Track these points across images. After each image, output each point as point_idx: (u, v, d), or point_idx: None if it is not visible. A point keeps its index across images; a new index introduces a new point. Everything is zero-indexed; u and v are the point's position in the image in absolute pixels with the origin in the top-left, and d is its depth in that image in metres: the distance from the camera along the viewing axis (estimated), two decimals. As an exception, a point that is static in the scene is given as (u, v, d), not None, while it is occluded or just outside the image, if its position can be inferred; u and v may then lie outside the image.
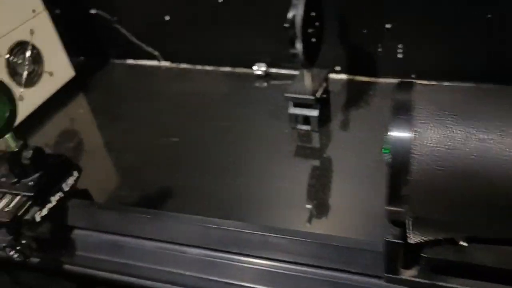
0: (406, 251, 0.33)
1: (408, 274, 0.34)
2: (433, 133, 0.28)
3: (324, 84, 0.70)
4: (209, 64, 0.90)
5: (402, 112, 0.29)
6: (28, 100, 0.80)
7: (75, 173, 0.50)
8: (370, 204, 0.57)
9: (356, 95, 0.77)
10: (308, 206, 0.60)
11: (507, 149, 0.27)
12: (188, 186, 0.65)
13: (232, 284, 0.44)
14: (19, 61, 0.78)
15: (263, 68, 0.85)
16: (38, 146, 0.46)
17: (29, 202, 0.45)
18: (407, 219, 0.31)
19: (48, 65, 0.83)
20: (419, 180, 0.28)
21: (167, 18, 0.87)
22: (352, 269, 0.38)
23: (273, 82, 0.84)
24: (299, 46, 0.60)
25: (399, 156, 0.28)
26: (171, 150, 0.72)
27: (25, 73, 0.79)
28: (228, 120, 0.77)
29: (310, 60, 0.64)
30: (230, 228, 0.45)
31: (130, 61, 0.96)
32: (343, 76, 0.81)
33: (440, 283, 0.33)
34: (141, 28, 0.91)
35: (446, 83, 0.72)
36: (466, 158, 0.27)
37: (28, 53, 0.79)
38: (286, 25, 0.59)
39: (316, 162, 0.69)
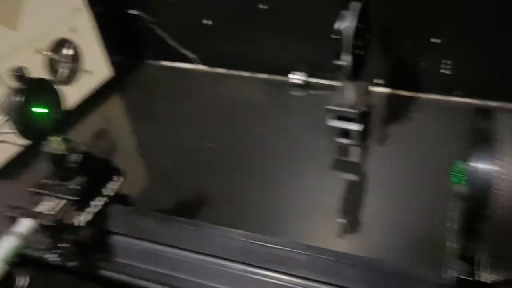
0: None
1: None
2: (518, 168, 0.26)
3: (366, 98, 0.69)
4: (245, 70, 0.89)
5: (483, 142, 0.27)
6: (67, 99, 0.79)
7: (119, 178, 0.49)
8: (409, 225, 0.55)
9: (397, 110, 0.75)
10: (342, 222, 0.58)
11: None
12: (222, 194, 0.64)
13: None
14: (59, 59, 0.78)
15: (302, 77, 0.83)
16: (85, 150, 0.45)
17: (73, 206, 0.45)
18: (480, 256, 0.29)
19: (87, 63, 0.83)
20: (499, 217, 0.27)
21: (207, 22, 0.86)
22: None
23: (311, 92, 0.83)
24: (346, 58, 0.58)
25: (478, 189, 0.27)
26: (207, 156, 0.71)
27: (64, 71, 0.79)
28: (264, 129, 0.76)
29: (356, 72, 0.62)
30: (273, 245, 0.44)
31: (165, 63, 0.96)
32: (384, 90, 0.79)
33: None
34: (179, 30, 0.91)
35: (493, 103, 0.70)
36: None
37: (68, 51, 0.79)
38: (335, 36, 0.57)
39: (354, 177, 0.67)
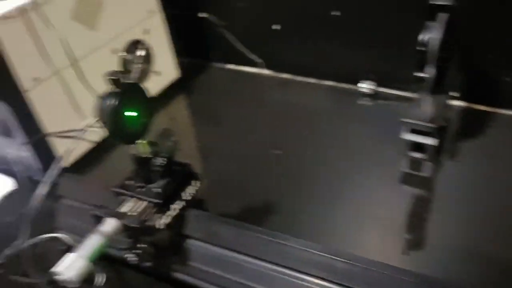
0: None
1: None
2: None
3: (444, 112, 0.66)
4: (312, 77, 0.88)
5: None
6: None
7: (196, 183, 0.49)
8: (480, 246, 0.53)
9: (474, 125, 0.72)
10: (407, 238, 0.56)
11: None
12: (287, 202, 0.64)
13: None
14: (132, 59, 0.80)
15: (371, 86, 0.81)
16: (169, 155, 0.45)
17: (155, 209, 0.45)
18: None
19: (156, 64, 0.84)
20: None
21: (276, 27, 0.86)
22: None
23: (380, 101, 0.81)
24: (430, 70, 0.56)
25: None
26: (274, 163, 0.71)
27: (136, 72, 0.81)
28: (331, 137, 0.74)
29: (437, 85, 0.60)
30: (356, 263, 0.43)
31: (231, 66, 0.96)
32: (460, 103, 0.75)
33: None
34: (247, 34, 0.91)
35: None
36: None
37: (141, 52, 0.81)
38: (420, 48, 0.55)
39: (424, 193, 0.64)
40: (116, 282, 0.53)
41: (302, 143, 0.74)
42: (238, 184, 0.68)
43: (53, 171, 0.43)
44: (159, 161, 0.45)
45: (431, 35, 0.54)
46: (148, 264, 0.49)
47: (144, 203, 0.46)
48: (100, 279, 0.45)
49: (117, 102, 0.40)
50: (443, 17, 0.55)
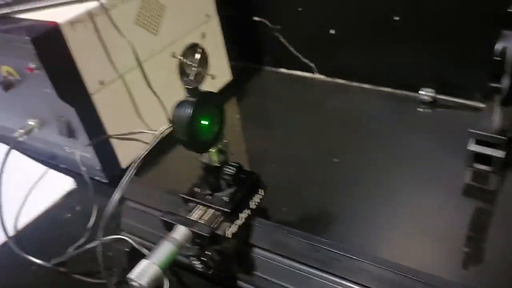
0: None
1: None
2: None
3: (513, 123, 0.63)
4: (367, 82, 0.86)
5: None
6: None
7: (262, 192, 0.49)
8: None
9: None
10: (466, 252, 0.54)
11: None
12: (344, 213, 0.62)
13: None
14: (189, 63, 0.80)
15: (430, 93, 0.79)
16: (238, 163, 0.45)
17: (223, 217, 0.45)
18: None
19: (211, 68, 0.85)
20: None
21: (331, 31, 0.85)
22: None
23: (440, 109, 0.78)
24: (505, 81, 0.53)
25: None
26: (331, 171, 0.70)
27: (193, 75, 0.81)
28: (389, 146, 0.72)
29: (510, 96, 0.57)
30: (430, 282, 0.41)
31: (283, 70, 0.95)
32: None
33: None
34: (301, 39, 0.90)
35: None
36: None
37: (198, 56, 0.81)
38: (496, 57, 0.53)
39: (488, 207, 0.62)
40: (175, 285, 0.53)
41: (358, 151, 0.72)
42: (294, 191, 0.67)
43: (127, 177, 0.43)
44: (229, 169, 0.45)
45: (508, 45, 0.52)
46: (213, 271, 0.49)
47: (212, 211, 0.46)
48: (167, 285, 0.45)
49: (192, 111, 0.40)
50: (521, 25, 0.52)
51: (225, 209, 0.45)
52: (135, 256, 0.57)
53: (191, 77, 0.81)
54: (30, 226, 0.69)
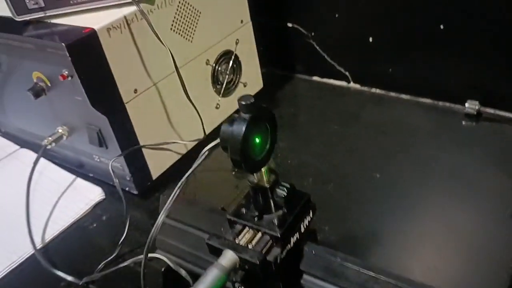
0: None
1: None
2: None
3: None
4: (406, 93, 0.83)
5: None
6: (222, 110, 0.79)
7: (311, 213, 0.46)
8: None
9: None
10: None
11: None
12: (387, 234, 0.59)
13: None
14: (222, 70, 0.77)
15: (474, 106, 0.75)
16: (291, 184, 0.42)
17: (273, 242, 0.42)
18: None
19: (244, 75, 0.82)
20: None
21: (368, 39, 0.81)
22: None
23: (485, 123, 0.74)
24: None
25: None
26: (373, 187, 0.66)
27: (225, 82, 0.78)
28: (432, 161, 0.68)
29: None
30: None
31: (316, 78, 0.92)
32: None
33: None
34: (336, 46, 0.87)
35: None
36: None
37: (231, 63, 0.78)
38: None
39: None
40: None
41: (400, 167, 0.69)
42: (335, 208, 0.64)
43: (172, 198, 0.41)
44: (281, 190, 0.41)
45: None
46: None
47: (260, 235, 0.42)
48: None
49: (247, 128, 0.37)
50: None
51: (275, 233, 0.41)
52: (170, 276, 0.54)
53: (224, 85, 0.78)
54: (58, 238, 0.67)
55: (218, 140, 0.40)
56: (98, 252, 0.63)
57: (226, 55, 0.77)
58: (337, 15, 0.82)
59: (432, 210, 0.61)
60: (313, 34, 0.87)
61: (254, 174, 0.42)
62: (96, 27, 0.56)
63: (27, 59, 0.63)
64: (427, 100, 0.81)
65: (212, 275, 0.38)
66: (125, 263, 0.55)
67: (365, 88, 0.87)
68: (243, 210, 0.44)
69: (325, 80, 0.91)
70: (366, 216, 0.62)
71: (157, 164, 0.70)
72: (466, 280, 0.52)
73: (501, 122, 0.73)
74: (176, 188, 0.40)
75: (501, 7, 0.66)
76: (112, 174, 0.61)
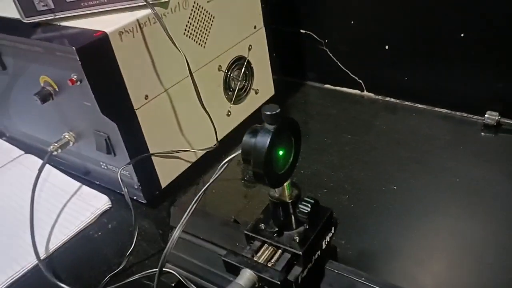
0: None
1: None
2: None
3: None
4: (421, 102, 0.81)
5: None
6: (233, 117, 0.77)
7: (333, 229, 0.43)
8: None
9: None
10: None
11: None
12: (405, 248, 0.57)
13: None
14: (234, 77, 0.75)
15: (494, 117, 0.72)
16: (315, 199, 0.40)
17: (294, 260, 0.39)
18: None
19: (256, 82, 0.80)
20: None
21: (384, 47, 0.79)
22: None
23: (504, 135, 0.72)
24: None
25: None
26: (389, 199, 0.64)
27: (236, 89, 0.76)
28: (451, 174, 0.66)
29: None
30: None
31: (328, 86, 0.90)
32: None
33: None
34: (350, 54, 0.84)
35: None
36: None
37: (243, 69, 0.76)
38: None
39: None
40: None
41: (417, 179, 0.66)
42: (351, 221, 0.61)
43: (188, 213, 0.38)
44: (304, 206, 0.39)
45: None
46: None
47: (280, 252, 0.40)
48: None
49: (272, 141, 0.34)
50: None
51: (297, 251, 0.39)
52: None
53: (236, 92, 0.76)
54: (62, 248, 0.64)
55: (238, 152, 0.37)
56: (104, 263, 0.61)
57: (239, 61, 0.75)
58: (352, 22, 0.80)
59: (452, 226, 0.59)
60: (326, 41, 0.85)
61: (276, 188, 0.40)
62: (107, 30, 0.54)
63: (35, 63, 0.61)
64: (443, 110, 0.79)
65: (230, 296, 0.36)
66: (135, 277, 0.53)
67: (379, 97, 0.85)
68: (262, 226, 0.42)
69: (338, 88, 0.89)
70: (383, 230, 0.59)
71: (166, 172, 0.67)
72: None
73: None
74: (193, 202, 0.38)
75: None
76: (121, 183, 0.58)
